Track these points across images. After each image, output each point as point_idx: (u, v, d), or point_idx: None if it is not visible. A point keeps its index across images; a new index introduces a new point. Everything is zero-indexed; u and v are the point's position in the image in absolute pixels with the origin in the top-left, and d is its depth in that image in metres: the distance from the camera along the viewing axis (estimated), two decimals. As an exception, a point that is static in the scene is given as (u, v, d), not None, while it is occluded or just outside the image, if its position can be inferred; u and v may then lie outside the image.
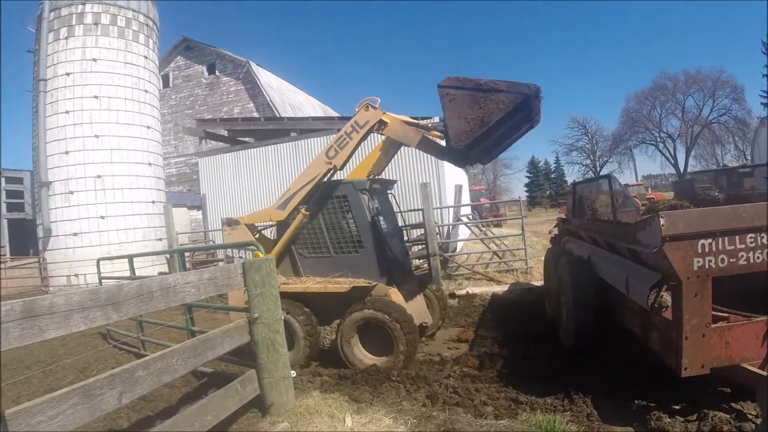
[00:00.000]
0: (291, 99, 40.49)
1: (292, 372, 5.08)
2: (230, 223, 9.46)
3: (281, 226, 8.77)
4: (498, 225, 28.90)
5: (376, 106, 7.87)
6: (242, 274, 4.67)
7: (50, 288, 22.92)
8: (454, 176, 22.44)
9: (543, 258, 10.77)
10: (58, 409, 2.85)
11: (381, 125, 7.91)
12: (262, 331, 4.69)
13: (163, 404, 5.97)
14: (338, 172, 8.53)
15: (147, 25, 25.29)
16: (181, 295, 3.97)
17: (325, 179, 8.52)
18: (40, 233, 23.49)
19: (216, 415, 4.14)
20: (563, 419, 4.72)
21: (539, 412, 4.96)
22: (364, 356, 7.60)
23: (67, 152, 22.47)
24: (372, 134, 8.44)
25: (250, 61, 36.87)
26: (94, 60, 23.10)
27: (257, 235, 9.24)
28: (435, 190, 16.65)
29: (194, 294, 4.13)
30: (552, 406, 5.26)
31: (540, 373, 6.43)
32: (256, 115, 34.24)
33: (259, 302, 4.67)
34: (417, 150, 15.70)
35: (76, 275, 22.00)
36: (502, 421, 4.64)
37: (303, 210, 8.43)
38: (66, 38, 23.19)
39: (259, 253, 6.01)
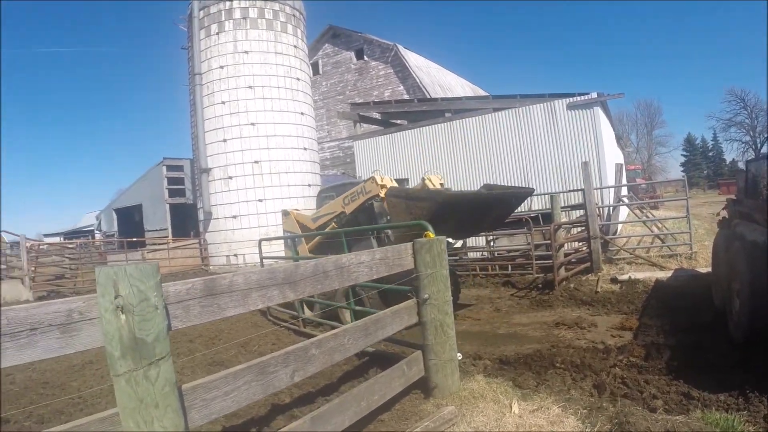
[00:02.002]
0: (440, 80, 39.92)
1: (458, 355, 4.96)
2: (285, 213, 13.27)
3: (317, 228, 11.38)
4: (654, 207, 27.40)
5: (380, 180, 9.80)
6: (412, 255, 4.59)
7: (210, 267, 24.38)
8: (613, 155, 21.48)
9: (708, 243, 10.04)
10: (233, 385, 2.90)
11: (379, 198, 9.80)
12: (431, 312, 4.61)
13: (324, 381, 5.97)
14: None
15: (294, 15, 25.97)
16: (354, 275, 3.96)
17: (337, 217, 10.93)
18: (201, 216, 25.05)
19: (382, 395, 4.13)
20: (740, 419, 4.27)
21: (714, 410, 4.52)
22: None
23: (225, 140, 23.62)
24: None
25: (397, 44, 36.60)
26: (246, 52, 24.05)
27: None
28: (595, 169, 15.95)
29: (366, 274, 4.12)
30: (725, 403, 4.76)
31: (710, 366, 5.91)
32: (406, 97, 34.01)
33: (429, 283, 4.58)
34: (577, 127, 15.23)
35: (235, 255, 23.16)
36: (677, 417, 4.25)
37: (334, 223, 10.90)
38: (217, 33, 24.39)
39: (429, 233, 5.87)
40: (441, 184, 11.27)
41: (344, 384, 5.74)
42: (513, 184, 17.19)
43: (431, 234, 5.83)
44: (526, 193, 11.18)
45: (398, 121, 24.07)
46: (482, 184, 11.85)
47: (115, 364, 2.30)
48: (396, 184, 10.29)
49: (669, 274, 11.50)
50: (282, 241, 13.49)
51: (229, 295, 2.95)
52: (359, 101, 30.74)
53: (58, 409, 5.88)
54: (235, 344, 8.28)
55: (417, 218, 7.72)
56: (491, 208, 10.14)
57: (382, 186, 9.73)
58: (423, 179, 11.15)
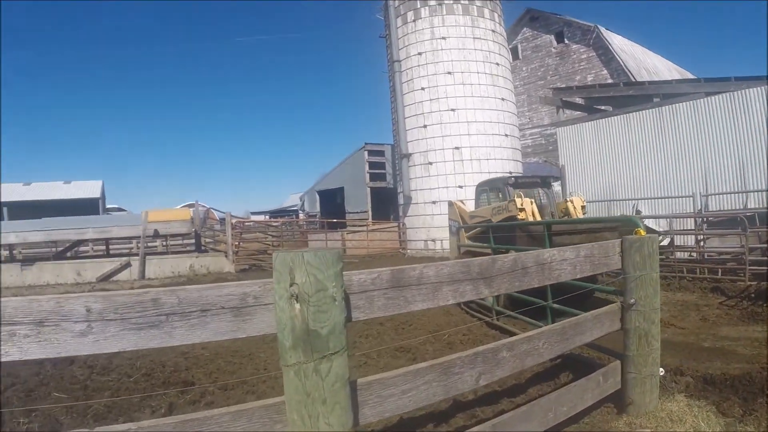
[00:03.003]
0: (646, 63, 37.34)
1: (660, 370, 4.41)
2: (450, 204, 15.81)
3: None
4: None
5: (520, 204, 11.38)
6: (620, 253, 4.15)
7: (408, 251, 24.91)
8: None
9: None
10: (412, 384, 2.75)
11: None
12: (636, 319, 4.12)
13: (512, 381, 5.61)
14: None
15: (490, 0, 25.59)
16: (556, 273, 3.61)
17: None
18: (401, 200, 25.67)
19: (572, 407, 3.75)
20: None
21: None
22: None
23: (425, 126, 23.98)
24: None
25: (598, 26, 34.91)
26: (443, 38, 24.19)
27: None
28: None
29: (569, 272, 3.74)
30: None
31: None
32: (610, 81, 32.40)
33: (636, 286, 4.09)
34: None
35: (432, 240, 23.36)
36: None
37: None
38: (413, 21, 24.80)
39: (640, 230, 5.28)
40: (582, 207, 12.62)
41: (533, 386, 5.39)
42: (726, 179, 16.08)
43: (642, 231, 5.24)
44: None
45: (602, 107, 22.91)
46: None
47: (285, 354, 2.20)
48: (536, 209, 11.69)
49: None
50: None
51: (417, 288, 2.77)
52: (561, 86, 29.67)
53: (243, 378, 6.07)
54: (425, 330, 8.20)
55: None
56: None
57: (521, 209, 11.35)
58: (565, 201, 12.94)
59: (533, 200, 11.93)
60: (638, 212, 17.35)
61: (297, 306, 2.15)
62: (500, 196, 13.96)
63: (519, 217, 11.24)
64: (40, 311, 1.89)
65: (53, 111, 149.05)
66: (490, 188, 14.91)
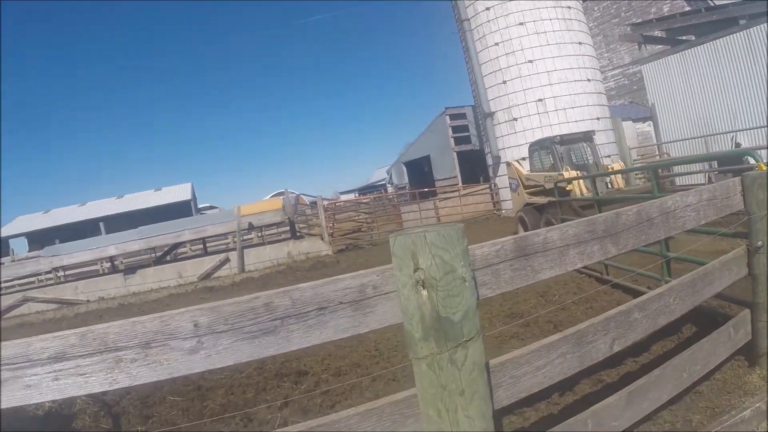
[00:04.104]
0: (724, -18, 35.36)
1: None
2: (508, 164, 17.02)
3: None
4: None
5: (567, 175, 12.75)
6: (742, 192, 3.82)
7: (503, 211, 24.60)
8: None
9: None
10: (546, 359, 2.57)
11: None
12: (765, 263, 3.82)
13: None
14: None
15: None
16: (681, 221, 3.34)
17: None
18: (489, 161, 25.26)
19: (705, 365, 3.49)
20: None
21: None
22: None
23: (504, 82, 23.38)
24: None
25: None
26: (510, -12, 23.31)
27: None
28: None
29: (694, 218, 3.46)
30: None
31: None
32: (687, 9, 30.81)
33: (762, 227, 3.78)
34: None
35: (528, 197, 22.99)
36: None
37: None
38: (475, -26, 23.80)
39: (762, 165, 4.90)
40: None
41: (655, 343, 5.08)
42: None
43: (763, 165, 4.83)
44: None
45: (684, 38, 21.74)
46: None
47: (416, 346, 2.02)
48: (582, 184, 12.71)
49: None
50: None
51: (543, 255, 2.56)
52: (638, 21, 28.36)
53: (356, 361, 6.08)
54: (535, 293, 7.90)
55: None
56: None
57: (568, 180, 12.39)
58: (606, 166, 14.25)
59: (579, 172, 13.15)
60: (737, 145, 16.54)
61: (424, 293, 1.98)
62: (549, 154, 14.94)
63: (567, 189, 12.50)
64: (145, 332, 1.84)
65: (137, 125, 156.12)
66: (540, 147, 15.59)
